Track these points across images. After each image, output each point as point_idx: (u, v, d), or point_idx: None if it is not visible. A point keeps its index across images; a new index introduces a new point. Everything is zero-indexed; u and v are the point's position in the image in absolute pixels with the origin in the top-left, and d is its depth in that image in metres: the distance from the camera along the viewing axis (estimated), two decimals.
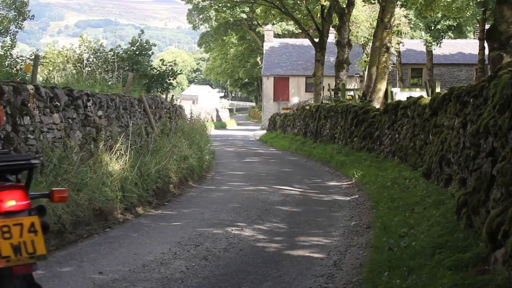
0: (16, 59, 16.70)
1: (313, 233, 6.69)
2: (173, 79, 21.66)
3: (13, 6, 29.63)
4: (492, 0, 24.94)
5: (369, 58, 21.85)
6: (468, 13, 27.38)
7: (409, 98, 11.40)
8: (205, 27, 55.38)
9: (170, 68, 21.28)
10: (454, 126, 7.05)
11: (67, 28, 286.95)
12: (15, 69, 13.26)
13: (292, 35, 50.34)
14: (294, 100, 40.96)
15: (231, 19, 38.10)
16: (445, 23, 33.41)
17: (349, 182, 11.13)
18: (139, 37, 20.68)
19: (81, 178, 7.10)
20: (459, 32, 37.50)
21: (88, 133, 8.39)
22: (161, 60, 22.56)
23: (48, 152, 6.87)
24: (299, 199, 9.31)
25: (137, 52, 20.10)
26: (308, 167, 14.51)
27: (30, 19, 31.33)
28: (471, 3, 25.54)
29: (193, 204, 8.79)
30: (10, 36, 29.37)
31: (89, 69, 15.35)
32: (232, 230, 6.76)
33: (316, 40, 27.90)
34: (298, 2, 30.82)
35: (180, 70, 24.66)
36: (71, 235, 6.28)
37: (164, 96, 17.79)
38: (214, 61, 65.25)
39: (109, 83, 13.28)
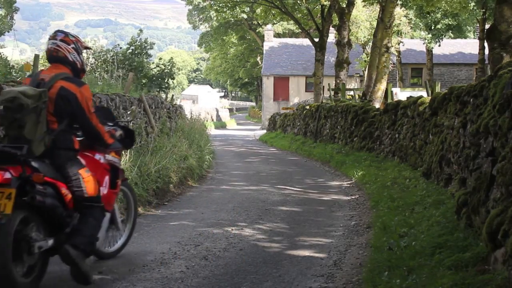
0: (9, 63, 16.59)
1: (313, 232, 6.70)
2: (171, 79, 21.69)
3: (4, 2, 29.20)
4: (492, 0, 24.94)
5: (369, 58, 21.85)
6: (469, 8, 27.34)
7: (409, 98, 11.40)
8: (205, 27, 55.43)
9: (169, 67, 21.30)
10: (454, 126, 7.05)
11: (67, 28, 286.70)
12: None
13: (292, 34, 50.37)
14: (294, 100, 40.98)
15: (232, 19, 38.11)
16: (444, 22, 33.40)
17: (349, 182, 11.13)
18: (138, 37, 20.70)
19: None
20: (458, 32, 37.51)
21: None
22: (160, 59, 22.58)
23: None
24: (299, 198, 9.31)
25: (136, 52, 20.10)
26: (308, 167, 14.52)
27: (15, 12, 30.76)
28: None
29: (193, 204, 8.79)
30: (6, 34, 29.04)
31: (89, 68, 15.36)
32: (232, 229, 6.77)
33: (316, 39, 27.90)
34: (298, 2, 30.82)
35: (178, 68, 24.71)
36: None
37: (164, 96, 17.80)
38: (214, 61, 65.31)
39: (111, 81, 13.28)
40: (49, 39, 4.60)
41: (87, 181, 4.48)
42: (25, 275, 4.13)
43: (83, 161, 4.58)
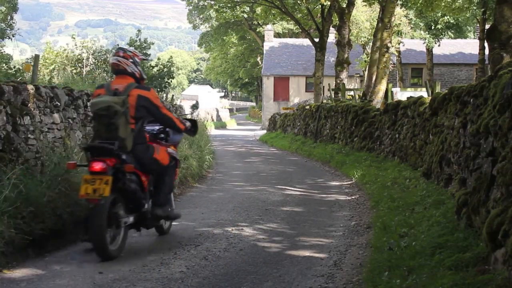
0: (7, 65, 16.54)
1: (313, 233, 6.70)
2: (171, 79, 21.68)
3: (6, 2, 28.99)
4: (492, 0, 24.95)
5: (369, 58, 21.85)
6: (468, 13, 27.36)
7: (409, 98, 11.40)
8: (205, 27, 55.41)
9: (168, 67, 21.29)
10: (454, 126, 7.05)
11: (67, 28, 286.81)
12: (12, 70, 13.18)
13: (292, 34, 50.36)
14: (294, 100, 40.98)
15: (232, 19, 38.11)
16: (443, 19, 33.37)
17: (349, 182, 11.13)
18: (137, 37, 20.71)
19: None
20: (458, 32, 37.49)
21: (88, 133, 8.39)
22: (158, 59, 22.58)
23: (48, 152, 6.87)
24: (300, 199, 9.31)
25: None
26: (309, 167, 14.51)
27: (15, 12, 30.54)
28: (471, 3, 25.53)
29: (193, 204, 8.79)
30: (6, 36, 28.89)
31: (89, 69, 15.36)
32: (232, 230, 6.76)
33: (316, 40, 27.89)
34: (298, 2, 30.81)
35: (177, 68, 24.70)
36: (71, 235, 6.28)
37: (164, 96, 17.81)
38: (214, 61, 65.27)
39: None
40: (112, 55, 5.79)
41: (161, 158, 5.77)
42: (111, 243, 5.26)
43: (154, 145, 5.76)
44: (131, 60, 5.68)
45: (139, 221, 5.72)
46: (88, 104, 8.53)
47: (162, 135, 6.14)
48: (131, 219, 5.54)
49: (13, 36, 29.30)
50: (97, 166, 5.15)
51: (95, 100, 5.47)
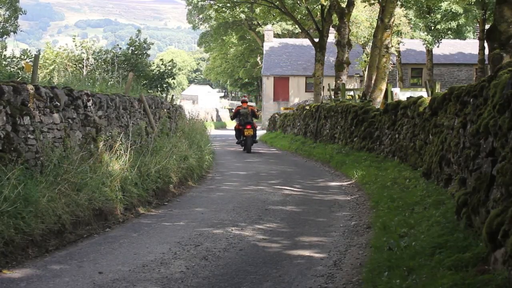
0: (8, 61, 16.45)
1: (313, 233, 6.70)
2: (171, 79, 21.64)
3: (9, 4, 29.15)
4: (492, 0, 24.95)
5: (369, 58, 21.85)
6: (469, 0, 27.29)
7: (409, 98, 11.40)
8: (205, 26, 55.39)
9: (169, 68, 21.27)
10: (454, 126, 7.05)
11: (67, 28, 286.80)
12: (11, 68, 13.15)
13: (292, 34, 50.33)
14: (294, 100, 40.97)
15: (231, 19, 38.10)
16: (444, 25, 33.35)
17: (349, 182, 11.13)
18: (137, 37, 20.67)
19: (81, 178, 7.10)
20: (458, 34, 37.46)
21: (88, 133, 8.39)
22: (160, 60, 22.55)
23: (48, 152, 6.87)
24: (299, 199, 9.31)
25: (135, 52, 20.07)
26: (308, 167, 14.51)
27: (24, 13, 30.65)
28: None
29: (193, 204, 8.79)
30: (8, 36, 29.00)
31: (89, 69, 15.35)
32: (232, 230, 6.77)
33: (316, 40, 27.88)
34: (298, 2, 30.80)
35: (179, 68, 24.66)
36: (71, 235, 6.28)
37: (164, 96, 17.80)
38: (214, 61, 65.24)
39: (109, 83, 13.26)
40: (242, 97, 23.78)
41: (255, 126, 19.32)
42: (250, 148, 19.59)
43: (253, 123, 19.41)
44: (248, 98, 21.56)
45: (252, 142, 18.81)
46: (89, 104, 8.54)
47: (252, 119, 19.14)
48: (252, 141, 18.87)
49: (14, 33, 29.40)
50: (248, 126, 18.51)
51: (243, 110, 19.20)
